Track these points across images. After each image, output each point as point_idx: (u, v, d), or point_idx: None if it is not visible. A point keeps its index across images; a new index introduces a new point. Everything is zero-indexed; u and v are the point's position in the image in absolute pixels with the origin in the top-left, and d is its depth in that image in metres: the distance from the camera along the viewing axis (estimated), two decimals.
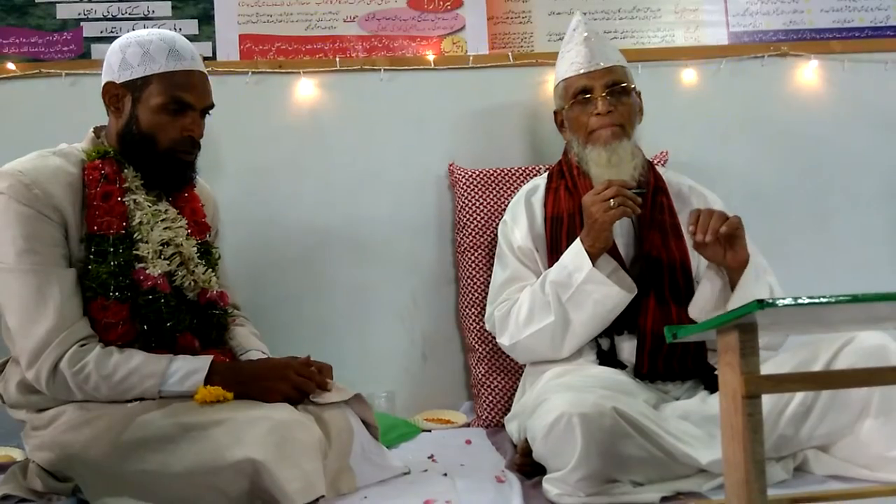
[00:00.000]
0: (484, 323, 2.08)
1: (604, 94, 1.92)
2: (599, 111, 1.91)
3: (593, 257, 1.79)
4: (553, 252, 1.92)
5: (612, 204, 1.76)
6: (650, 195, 1.92)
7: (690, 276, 1.89)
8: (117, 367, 1.54)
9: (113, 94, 1.67)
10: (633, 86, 1.98)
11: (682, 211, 1.97)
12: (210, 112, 1.73)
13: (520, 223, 2.01)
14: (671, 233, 1.90)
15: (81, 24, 2.34)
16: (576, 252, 1.82)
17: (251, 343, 1.81)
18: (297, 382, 1.58)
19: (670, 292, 1.84)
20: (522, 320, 1.87)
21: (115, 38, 1.74)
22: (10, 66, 2.29)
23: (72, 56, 2.33)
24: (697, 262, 1.95)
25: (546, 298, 1.84)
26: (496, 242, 2.09)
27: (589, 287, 1.78)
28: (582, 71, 1.95)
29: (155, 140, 1.65)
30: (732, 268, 1.76)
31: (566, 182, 1.99)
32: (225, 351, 1.75)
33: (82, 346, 1.55)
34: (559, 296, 1.82)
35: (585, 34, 1.98)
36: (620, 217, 1.79)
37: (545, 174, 2.11)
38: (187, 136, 1.67)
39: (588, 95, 1.93)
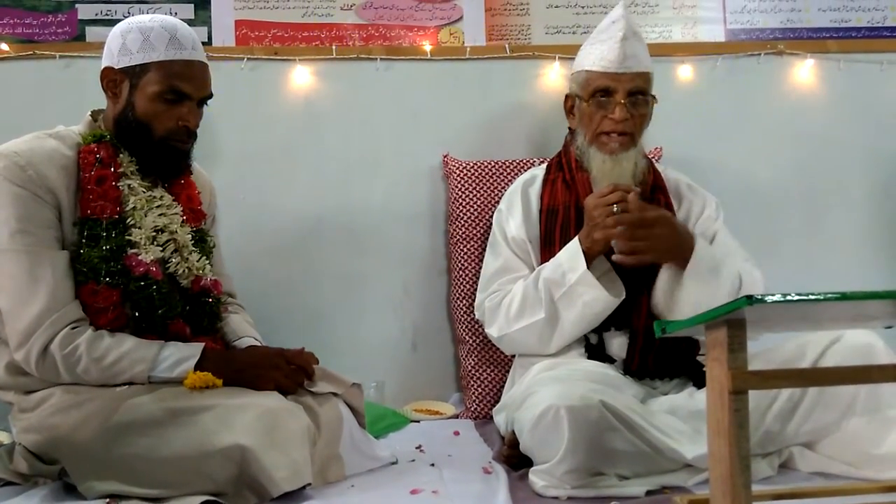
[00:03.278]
0: (475, 315, 2.08)
1: (623, 101, 1.88)
2: (616, 117, 1.88)
3: (589, 259, 1.79)
4: (546, 245, 1.92)
5: (614, 210, 1.75)
6: (648, 192, 1.92)
7: None
8: (108, 350, 1.54)
9: (111, 79, 1.66)
10: (652, 95, 1.95)
11: (679, 209, 1.98)
12: (208, 102, 1.72)
13: (515, 213, 2.00)
14: None
15: (76, 5, 2.32)
16: (573, 252, 1.81)
17: (245, 331, 1.81)
18: (287, 372, 1.58)
19: None
20: (513, 314, 1.87)
21: (110, 20, 1.74)
22: (4, 46, 2.27)
23: (66, 38, 2.31)
24: None
25: (538, 295, 1.84)
26: (489, 234, 2.09)
27: (580, 288, 1.78)
28: (610, 70, 1.89)
29: (150, 128, 1.64)
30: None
31: (564, 175, 1.98)
32: (216, 339, 1.74)
33: (74, 328, 1.55)
34: (551, 293, 1.82)
35: (622, 32, 1.89)
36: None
37: (543, 165, 2.10)
38: (183, 125, 1.65)
39: (608, 97, 1.89)
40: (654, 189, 1.95)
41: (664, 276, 1.79)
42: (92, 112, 1.72)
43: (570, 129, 2.04)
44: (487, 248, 2.05)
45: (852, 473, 1.57)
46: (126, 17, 2.15)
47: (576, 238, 1.83)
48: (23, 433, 1.59)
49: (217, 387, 1.53)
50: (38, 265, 1.55)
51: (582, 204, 1.85)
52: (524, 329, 1.86)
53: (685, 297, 1.75)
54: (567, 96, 2.03)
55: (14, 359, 1.57)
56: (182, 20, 1.73)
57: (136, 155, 1.67)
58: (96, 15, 2.32)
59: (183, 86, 1.64)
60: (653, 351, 1.81)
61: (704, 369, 1.49)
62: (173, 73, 1.63)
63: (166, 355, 1.56)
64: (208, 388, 1.52)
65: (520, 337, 1.88)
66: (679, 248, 1.76)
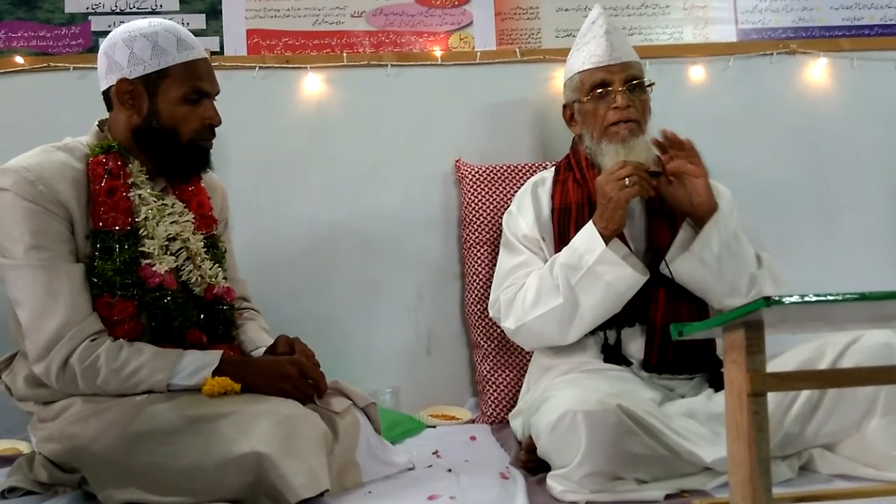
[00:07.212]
0: (489, 319, 2.07)
1: (622, 89, 1.89)
2: (618, 105, 1.88)
3: (606, 239, 1.78)
4: (560, 243, 1.90)
5: (627, 182, 1.75)
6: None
7: None
8: (127, 361, 1.54)
9: (126, 91, 1.64)
10: (648, 82, 1.96)
11: None
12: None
13: (526, 214, 1.99)
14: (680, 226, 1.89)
15: (89, 17, 2.35)
16: (588, 234, 1.80)
17: (262, 340, 1.80)
18: (298, 384, 1.58)
19: (680, 285, 1.83)
20: (529, 303, 1.85)
21: None
22: (19, 59, 2.30)
23: (80, 50, 2.34)
24: None
25: (555, 281, 1.81)
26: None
27: (601, 268, 1.76)
28: (601, 64, 1.91)
29: (177, 132, 1.64)
30: (693, 210, 1.80)
31: (574, 174, 1.98)
32: (233, 346, 1.74)
33: (93, 340, 1.55)
34: (568, 278, 1.79)
35: (605, 28, 1.94)
36: (636, 196, 1.78)
37: (552, 168, 2.10)
38: (208, 123, 1.67)
39: (606, 89, 1.91)
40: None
41: (683, 234, 1.82)
42: (99, 122, 1.72)
43: (575, 136, 2.03)
44: (501, 249, 2.04)
45: (873, 475, 1.55)
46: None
47: (590, 222, 1.81)
48: (43, 442, 1.60)
49: (235, 391, 1.53)
50: (54, 279, 1.55)
51: (595, 200, 1.84)
52: (542, 317, 1.83)
53: (706, 247, 1.77)
54: (564, 106, 2.03)
55: (33, 371, 1.58)
56: (193, 30, 1.75)
57: (158, 161, 1.67)
58: (109, 26, 2.34)
59: (203, 84, 1.65)
60: (671, 345, 1.79)
61: (723, 369, 1.48)
62: (193, 74, 1.64)
63: (185, 364, 1.56)
64: (226, 394, 1.52)
65: (537, 326, 1.85)
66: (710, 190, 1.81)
